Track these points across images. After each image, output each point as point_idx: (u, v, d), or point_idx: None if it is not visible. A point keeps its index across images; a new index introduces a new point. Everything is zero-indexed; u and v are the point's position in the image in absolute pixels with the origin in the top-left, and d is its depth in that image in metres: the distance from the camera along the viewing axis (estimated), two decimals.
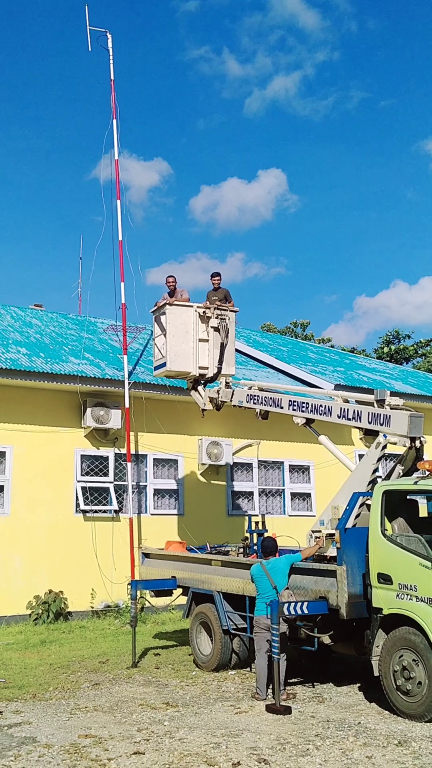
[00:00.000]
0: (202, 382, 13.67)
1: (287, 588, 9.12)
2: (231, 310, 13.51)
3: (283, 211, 74.92)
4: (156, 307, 13.56)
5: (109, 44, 17.07)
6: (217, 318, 13.23)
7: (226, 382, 13.34)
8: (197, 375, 13.36)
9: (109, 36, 17.06)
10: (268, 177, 73.74)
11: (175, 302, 13.27)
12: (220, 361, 13.21)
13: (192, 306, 13.31)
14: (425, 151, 71.78)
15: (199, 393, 13.79)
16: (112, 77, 16.99)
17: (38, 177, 72.87)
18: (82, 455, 15.87)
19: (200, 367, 13.27)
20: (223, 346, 13.24)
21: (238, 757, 6.70)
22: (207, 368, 13.29)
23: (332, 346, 38.89)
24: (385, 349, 41.16)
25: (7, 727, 7.88)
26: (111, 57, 17.06)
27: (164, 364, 13.26)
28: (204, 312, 13.24)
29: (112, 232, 16.50)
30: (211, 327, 13.23)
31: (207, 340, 13.29)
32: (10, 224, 69.69)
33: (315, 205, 75.29)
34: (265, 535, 11.14)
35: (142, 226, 69.90)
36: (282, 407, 11.72)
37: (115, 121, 16.72)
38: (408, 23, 71.49)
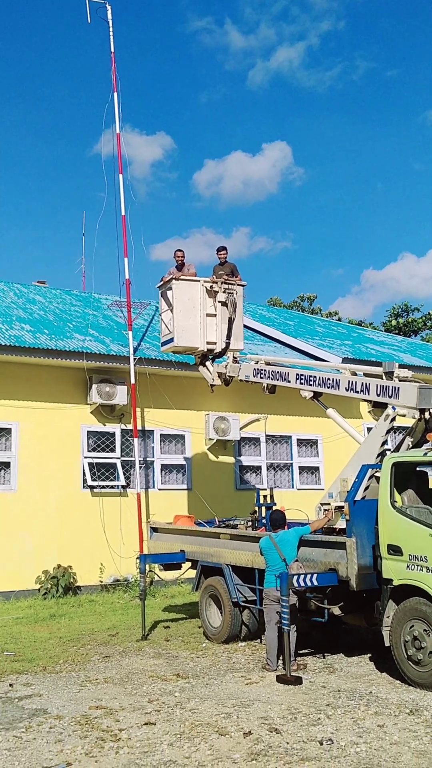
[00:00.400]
0: (211, 357, 13.52)
1: (296, 560, 9.11)
2: (238, 284, 13.33)
3: (288, 184, 74.39)
4: (162, 282, 13.39)
5: (109, 16, 16.80)
6: (224, 292, 13.07)
7: (234, 357, 13.20)
8: (205, 350, 13.20)
9: (108, 7, 16.79)
10: (272, 150, 73.11)
11: (182, 277, 13.10)
12: (228, 336, 13.06)
13: (199, 281, 13.14)
14: (431, 121, 70.96)
15: (207, 368, 13.65)
16: (113, 49, 16.75)
17: (39, 152, 72.43)
18: (88, 431, 15.85)
19: (208, 342, 13.11)
20: (231, 321, 13.09)
21: (249, 726, 6.72)
22: (215, 343, 13.13)
23: (339, 320, 38.72)
24: (393, 322, 40.95)
25: (17, 699, 7.92)
26: (111, 29, 16.81)
27: (171, 340, 13.10)
28: (211, 286, 13.06)
29: (115, 208, 16.36)
30: (219, 301, 13.06)
31: (215, 315, 13.12)
32: (12, 201, 69.42)
33: (321, 178, 74.72)
34: (274, 508, 11.12)
35: (145, 201, 69.56)
36: (289, 381, 11.64)
37: (116, 94, 16.52)
38: None
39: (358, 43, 73.33)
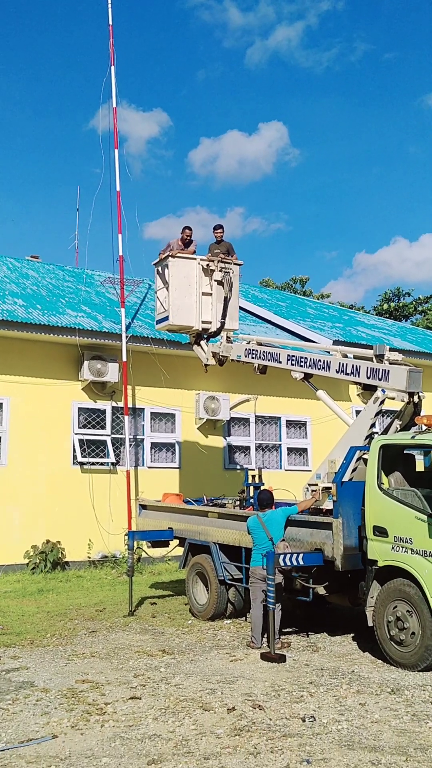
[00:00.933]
0: (205, 336, 13.43)
1: (283, 540, 9.19)
2: (235, 263, 13.20)
3: (284, 165, 73.97)
4: (158, 259, 13.27)
5: None
6: (221, 271, 12.95)
7: (227, 337, 13.14)
8: (200, 329, 13.12)
9: None
10: (269, 130, 72.61)
11: (179, 254, 12.95)
12: (224, 316, 12.98)
13: (195, 258, 13.01)
14: (429, 105, 70.68)
15: (201, 348, 13.54)
16: (110, 22, 16.58)
17: (35, 125, 71.67)
18: (79, 408, 15.87)
19: (203, 322, 13.01)
20: (226, 300, 12.99)
21: (233, 702, 6.82)
22: (210, 322, 13.04)
23: (331, 303, 38.72)
24: (385, 306, 41.00)
25: (5, 672, 8.00)
26: (109, 2, 16.64)
27: (166, 318, 13.00)
28: (207, 265, 12.94)
29: (110, 184, 16.29)
30: (215, 280, 12.96)
31: (210, 294, 13.02)
32: (5, 174, 68.76)
33: (316, 159, 74.32)
34: (262, 488, 11.20)
35: (140, 178, 69.08)
36: (280, 362, 11.66)
37: (113, 67, 16.40)
38: None
39: (357, 24, 72.76)
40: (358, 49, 72.42)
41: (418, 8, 71.05)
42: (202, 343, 13.54)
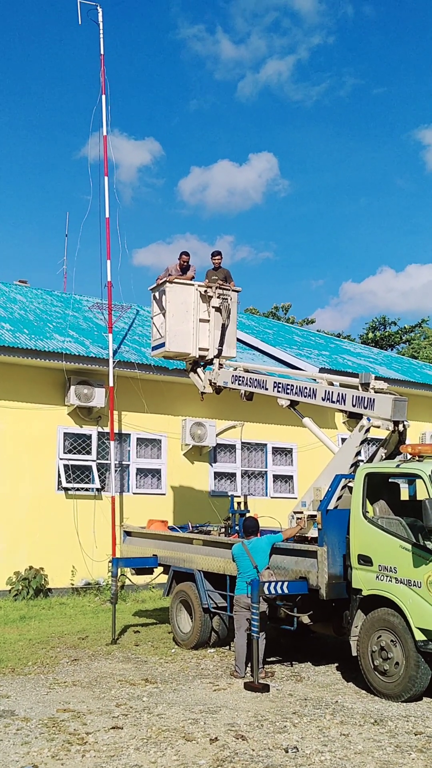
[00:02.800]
0: (202, 364, 13.22)
1: (268, 568, 9.17)
2: (233, 290, 13.07)
3: (273, 194, 74.64)
4: (155, 285, 13.10)
5: (100, 18, 16.83)
6: (218, 297, 12.79)
7: (220, 364, 12.94)
8: (197, 356, 12.92)
9: (99, 9, 16.82)
10: (259, 160, 73.35)
11: (176, 280, 12.80)
12: (221, 343, 12.82)
13: (193, 284, 12.85)
14: (416, 139, 71.68)
15: (198, 375, 13.32)
16: (102, 52, 16.79)
17: (25, 152, 72.01)
18: (65, 433, 15.82)
19: (200, 349, 12.82)
20: (224, 327, 12.84)
21: (215, 732, 6.76)
22: (207, 350, 12.85)
23: (318, 330, 38.95)
24: (370, 335, 41.29)
25: None
26: (101, 31, 16.85)
27: (163, 345, 12.81)
28: (205, 291, 12.77)
29: (99, 210, 16.39)
30: (213, 307, 12.78)
31: (208, 321, 12.84)
32: None
33: (305, 190, 75.07)
34: (247, 515, 11.18)
35: (130, 205, 69.38)
36: (267, 389, 11.70)
37: (104, 96, 16.57)
38: (404, 11, 71.03)
39: (347, 59, 73.86)
40: (348, 83, 73.56)
41: (407, 44, 72.44)
42: (199, 370, 13.31)
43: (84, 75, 67.44)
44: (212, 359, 12.96)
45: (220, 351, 12.88)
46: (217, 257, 13.31)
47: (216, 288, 12.83)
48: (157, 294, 13.11)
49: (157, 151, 73.02)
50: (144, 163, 72.47)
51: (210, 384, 13.08)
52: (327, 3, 70.45)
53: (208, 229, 76.22)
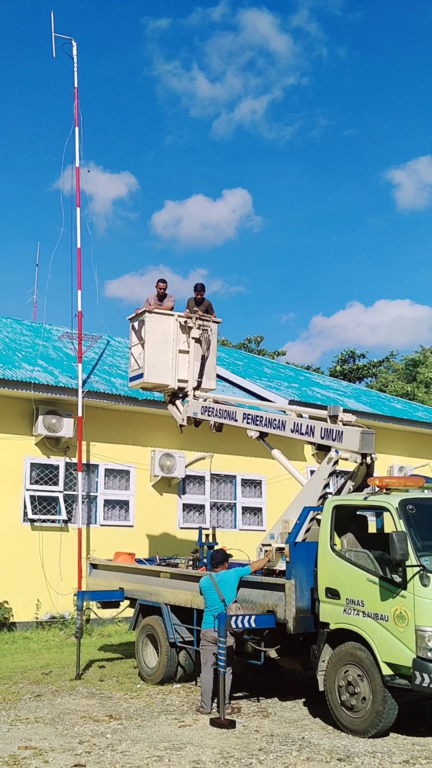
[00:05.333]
0: (181, 396, 13.02)
1: (235, 601, 9.09)
2: (213, 321, 12.98)
3: (246, 230, 75.33)
4: (134, 315, 12.97)
5: (74, 52, 17.00)
6: (198, 329, 12.69)
7: (194, 396, 12.74)
8: (176, 388, 12.72)
9: (74, 43, 17.00)
10: (233, 196, 74.13)
11: (155, 310, 12.67)
12: (201, 375, 12.67)
13: (173, 315, 12.71)
14: (386, 181, 73.00)
15: (177, 408, 13.09)
16: (76, 85, 16.95)
17: None
18: (32, 463, 15.65)
19: (179, 380, 12.64)
20: (204, 359, 12.71)
21: None
22: (186, 381, 12.66)
23: (288, 363, 39.18)
24: (339, 368, 41.65)
25: None
26: (75, 65, 17.02)
27: (141, 375, 12.61)
28: (185, 322, 12.65)
29: (71, 241, 16.42)
30: (192, 338, 12.67)
31: (188, 352, 12.69)
32: None
33: (278, 226, 75.90)
34: (215, 547, 11.10)
35: (104, 237, 69.50)
36: (236, 420, 11.70)
37: (77, 128, 16.69)
38: (377, 53, 72.72)
39: (320, 99, 75.24)
40: (320, 123, 74.83)
41: (380, 86, 74.05)
42: (178, 402, 13.10)
43: (59, 108, 67.82)
44: (192, 391, 12.75)
45: (199, 383, 12.72)
46: (200, 292, 13.07)
47: (196, 319, 12.72)
48: (135, 324, 12.95)
49: (132, 185, 73.53)
50: (119, 196, 72.88)
51: (188, 417, 12.81)
52: (302, 44, 72.00)
53: (181, 262, 76.66)
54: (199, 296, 13.11)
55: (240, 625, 8.59)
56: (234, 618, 8.55)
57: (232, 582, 9.18)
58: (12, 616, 14.63)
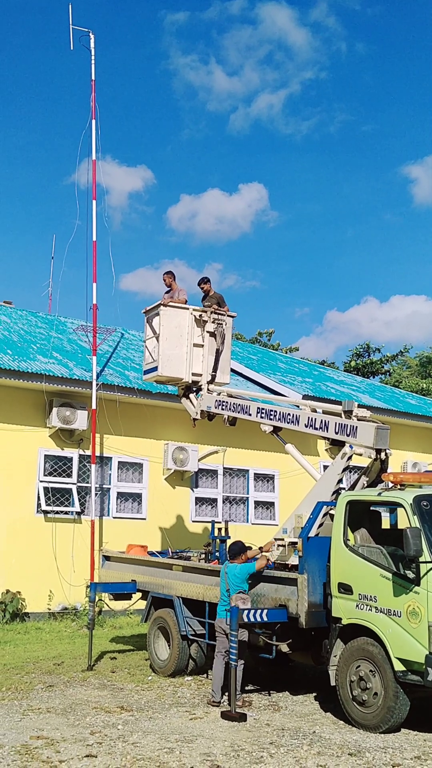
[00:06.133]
0: (195, 389, 12.98)
1: (240, 593, 9.04)
2: (228, 315, 12.91)
3: (262, 225, 75.19)
4: (149, 308, 12.92)
5: (92, 44, 17.02)
6: (213, 323, 12.64)
7: (208, 390, 12.67)
8: (190, 382, 12.69)
9: (91, 36, 17.01)
10: (249, 191, 73.99)
11: (171, 303, 12.61)
12: (215, 369, 12.62)
13: (188, 308, 12.66)
14: (404, 176, 72.66)
15: (191, 401, 13.06)
16: (93, 77, 16.96)
17: (13, 174, 72.21)
18: (45, 455, 15.71)
19: (194, 374, 12.59)
20: (218, 353, 12.66)
21: (191, 762, 6.65)
22: (200, 375, 12.62)
23: (302, 358, 39.11)
24: (353, 363, 41.51)
25: None
26: (93, 57, 17.03)
27: (155, 369, 12.56)
28: (200, 315, 12.61)
29: (87, 233, 16.44)
30: (207, 332, 12.61)
31: (202, 346, 12.62)
32: None
33: (293, 221, 75.69)
34: (228, 542, 11.09)
35: (119, 231, 69.58)
36: (250, 414, 11.66)
37: (94, 121, 16.70)
38: (395, 48, 72.35)
39: (338, 94, 74.89)
40: (338, 119, 74.49)
41: (397, 82, 73.63)
42: (191, 396, 13.07)
43: (76, 101, 68.01)
44: (206, 385, 12.71)
45: (213, 377, 12.68)
46: (204, 284, 13.04)
47: (211, 313, 12.69)
48: (151, 317, 12.93)
49: (148, 178, 73.53)
50: (135, 189, 72.92)
51: (202, 411, 12.76)
52: (321, 39, 71.67)
53: (196, 256, 76.57)
54: (204, 289, 13.05)
55: (251, 619, 8.58)
56: (246, 611, 8.55)
57: (238, 575, 9.12)
58: (25, 606, 14.72)
